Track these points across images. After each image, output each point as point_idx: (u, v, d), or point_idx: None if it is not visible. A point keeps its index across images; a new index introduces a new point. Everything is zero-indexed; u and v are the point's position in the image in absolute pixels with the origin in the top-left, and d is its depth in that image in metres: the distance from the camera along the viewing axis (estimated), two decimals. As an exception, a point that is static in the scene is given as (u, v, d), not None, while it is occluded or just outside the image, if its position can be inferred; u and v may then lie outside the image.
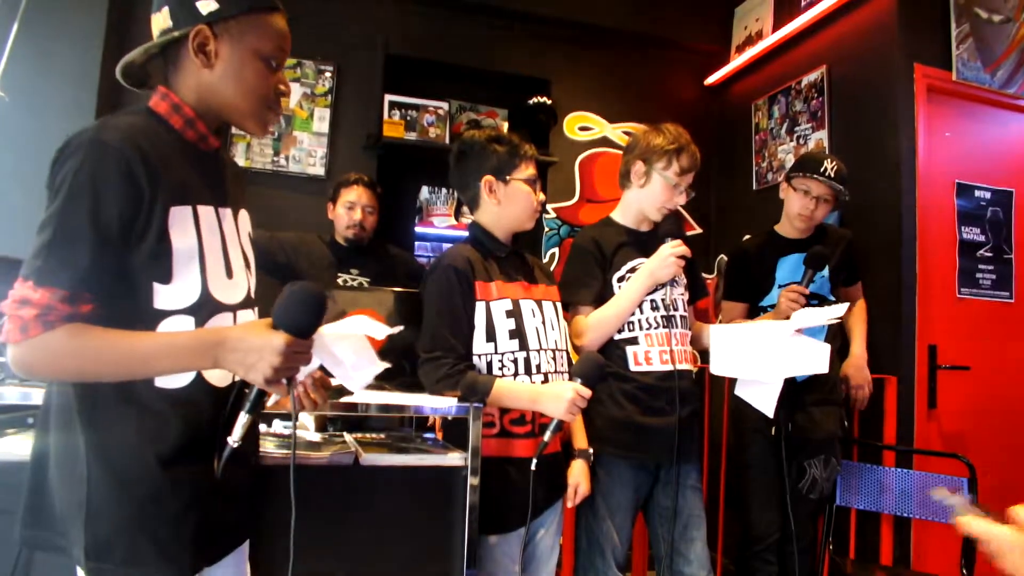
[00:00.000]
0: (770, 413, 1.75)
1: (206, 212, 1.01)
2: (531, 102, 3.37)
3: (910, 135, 2.58)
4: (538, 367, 1.58)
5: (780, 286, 2.25)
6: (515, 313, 1.59)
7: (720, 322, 2.36)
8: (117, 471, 0.94)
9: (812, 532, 2.31)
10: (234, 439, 0.96)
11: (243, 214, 1.13)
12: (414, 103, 3.21)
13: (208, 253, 1.00)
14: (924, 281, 2.55)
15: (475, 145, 1.65)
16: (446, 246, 3.46)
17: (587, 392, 1.47)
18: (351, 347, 1.05)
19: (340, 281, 2.47)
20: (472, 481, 1.42)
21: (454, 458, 1.46)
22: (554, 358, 1.63)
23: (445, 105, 3.27)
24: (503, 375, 1.56)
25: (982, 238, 2.75)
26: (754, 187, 3.38)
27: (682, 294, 1.89)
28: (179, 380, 0.98)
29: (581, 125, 3.53)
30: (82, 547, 0.92)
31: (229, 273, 1.04)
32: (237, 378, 1.04)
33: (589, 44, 3.54)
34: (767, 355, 1.73)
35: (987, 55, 2.73)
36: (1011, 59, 2.78)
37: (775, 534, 2.19)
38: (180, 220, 0.96)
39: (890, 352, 2.53)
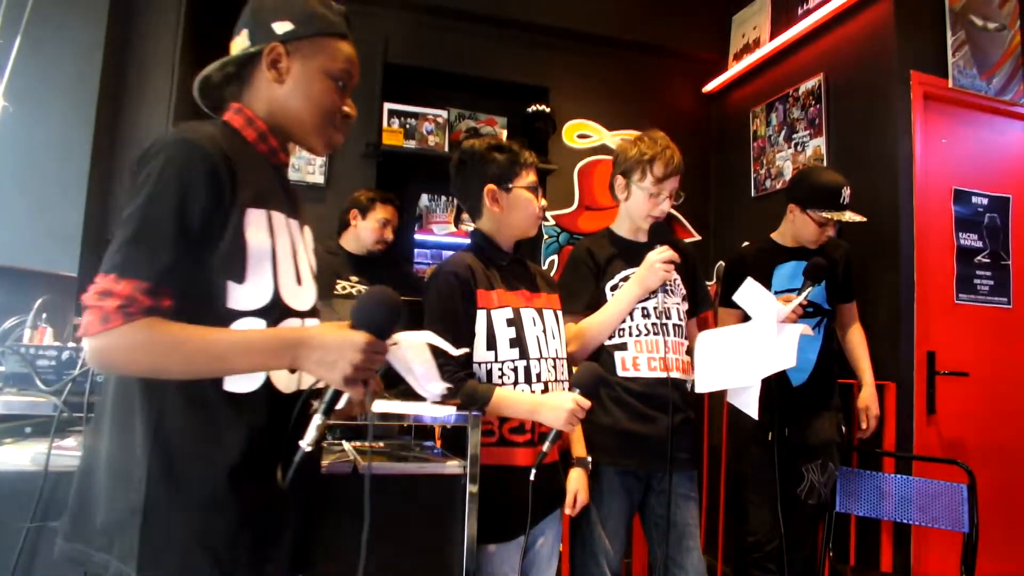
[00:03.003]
0: (754, 414, 1.76)
1: (279, 218, 1.02)
2: (530, 110, 3.39)
3: (907, 142, 2.59)
4: (538, 376, 1.58)
5: (776, 293, 2.25)
6: (516, 322, 1.59)
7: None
8: (179, 476, 0.92)
9: (813, 539, 2.30)
10: (307, 442, 0.93)
11: (307, 229, 1.14)
12: (413, 111, 3.22)
13: (280, 256, 1.01)
14: (922, 287, 2.55)
15: (475, 154, 1.65)
16: (446, 254, 3.44)
17: (586, 403, 1.47)
18: (422, 358, 1.07)
19: (339, 288, 2.47)
20: (471, 489, 1.42)
21: (453, 466, 1.46)
22: (554, 367, 1.63)
23: (444, 113, 3.29)
24: (503, 384, 1.56)
25: (979, 244, 2.76)
26: (752, 194, 3.39)
27: (678, 303, 1.89)
28: (248, 384, 0.97)
29: (580, 133, 3.54)
30: (135, 556, 0.89)
31: (299, 280, 1.05)
32: (304, 386, 1.03)
33: (588, 52, 3.56)
34: (742, 358, 1.74)
35: (983, 62, 2.75)
36: (1006, 66, 2.80)
37: (774, 541, 2.18)
38: (256, 222, 0.97)
39: (889, 358, 2.53)
